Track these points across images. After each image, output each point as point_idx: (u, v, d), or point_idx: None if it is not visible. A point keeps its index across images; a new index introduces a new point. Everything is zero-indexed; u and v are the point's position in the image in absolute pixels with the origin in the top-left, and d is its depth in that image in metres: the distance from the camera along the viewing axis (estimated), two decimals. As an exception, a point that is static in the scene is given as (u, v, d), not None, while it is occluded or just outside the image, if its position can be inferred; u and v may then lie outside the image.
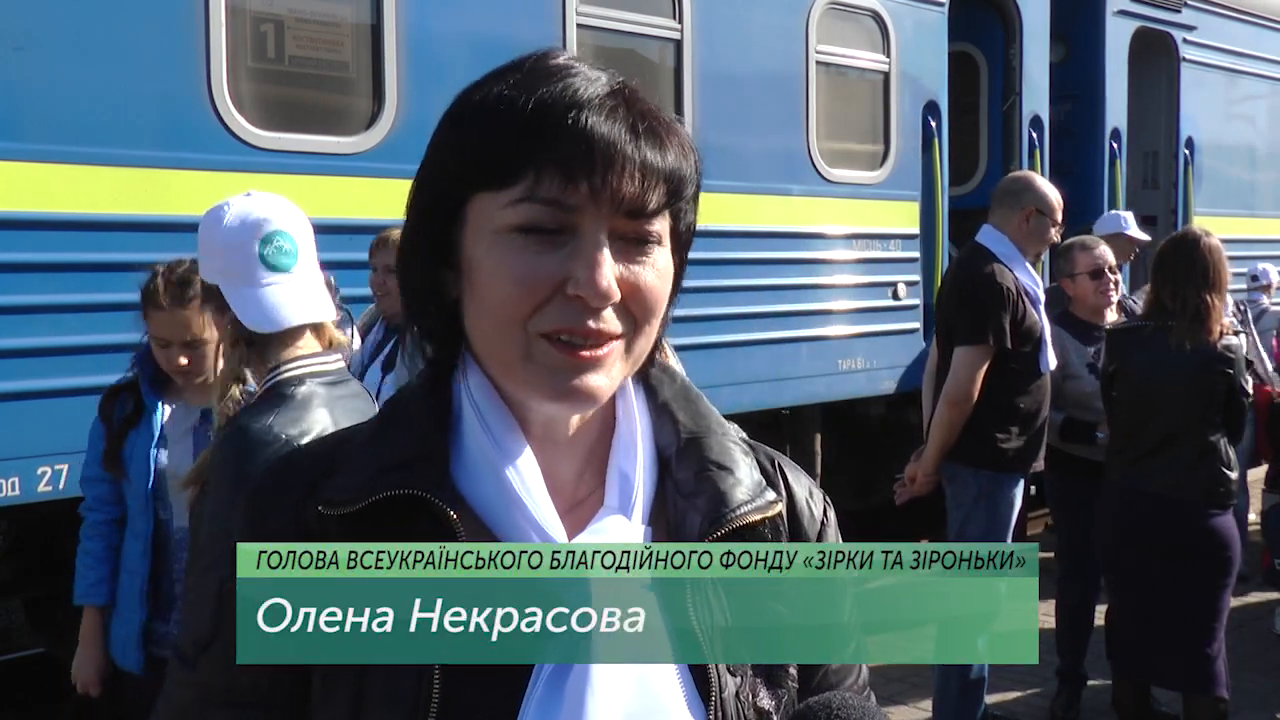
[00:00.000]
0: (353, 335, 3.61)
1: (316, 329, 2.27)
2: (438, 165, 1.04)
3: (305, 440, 2.01)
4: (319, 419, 2.09)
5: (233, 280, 2.18)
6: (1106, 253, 5.05)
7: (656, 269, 1.00)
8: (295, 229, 2.26)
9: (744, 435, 1.15)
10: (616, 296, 0.97)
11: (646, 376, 1.12)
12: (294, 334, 2.22)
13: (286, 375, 2.16)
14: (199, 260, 2.27)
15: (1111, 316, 5.09)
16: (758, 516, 1.07)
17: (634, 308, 1.00)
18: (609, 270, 0.96)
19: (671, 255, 1.04)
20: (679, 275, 1.07)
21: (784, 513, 1.11)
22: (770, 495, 1.09)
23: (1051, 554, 5.32)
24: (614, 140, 0.96)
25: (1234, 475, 4.24)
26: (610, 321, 0.98)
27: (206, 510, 2.11)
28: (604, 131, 0.96)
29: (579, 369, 0.98)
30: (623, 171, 0.96)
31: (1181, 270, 4.21)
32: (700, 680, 1.01)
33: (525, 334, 0.98)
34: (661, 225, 1.01)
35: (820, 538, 1.14)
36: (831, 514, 1.17)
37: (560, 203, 0.96)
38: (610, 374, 1.00)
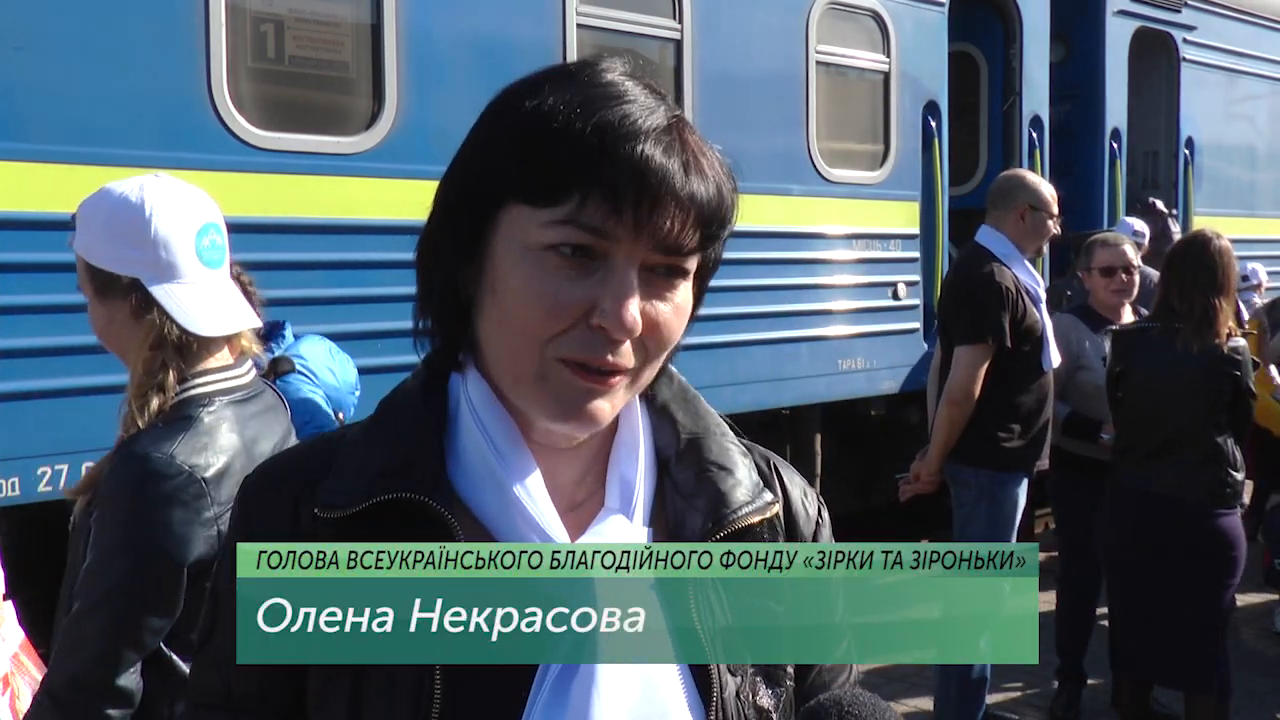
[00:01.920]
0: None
1: (230, 337, 2.05)
2: (477, 164, 1.02)
3: (212, 473, 1.86)
4: (228, 445, 1.91)
5: (161, 275, 1.93)
6: (1125, 252, 5.04)
7: (677, 305, 1.01)
8: (221, 221, 2.04)
9: (740, 436, 1.15)
10: (639, 330, 0.97)
11: None
12: (215, 342, 2.01)
13: (195, 393, 1.94)
14: (98, 250, 1.97)
15: (1128, 315, 5.08)
16: (757, 518, 1.07)
17: (650, 342, 1.00)
18: (635, 306, 0.96)
19: (693, 285, 1.04)
20: (696, 304, 1.07)
21: (781, 514, 1.11)
22: (768, 496, 1.09)
23: (1051, 553, 5.32)
24: (665, 177, 0.96)
25: (1240, 476, 4.24)
26: (625, 356, 0.98)
27: (94, 544, 1.87)
28: (657, 166, 0.95)
29: (588, 395, 0.98)
30: (668, 209, 0.96)
31: (1190, 272, 4.21)
32: (701, 680, 1.02)
33: (543, 355, 0.98)
34: (692, 262, 1.01)
35: (815, 538, 1.15)
36: (826, 514, 1.18)
37: (601, 231, 0.95)
38: (615, 401, 1.01)
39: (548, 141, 0.96)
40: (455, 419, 1.05)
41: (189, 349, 1.95)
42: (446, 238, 1.03)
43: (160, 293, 1.93)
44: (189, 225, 1.96)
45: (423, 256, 1.06)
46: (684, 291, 1.01)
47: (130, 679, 1.85)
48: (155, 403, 1.90)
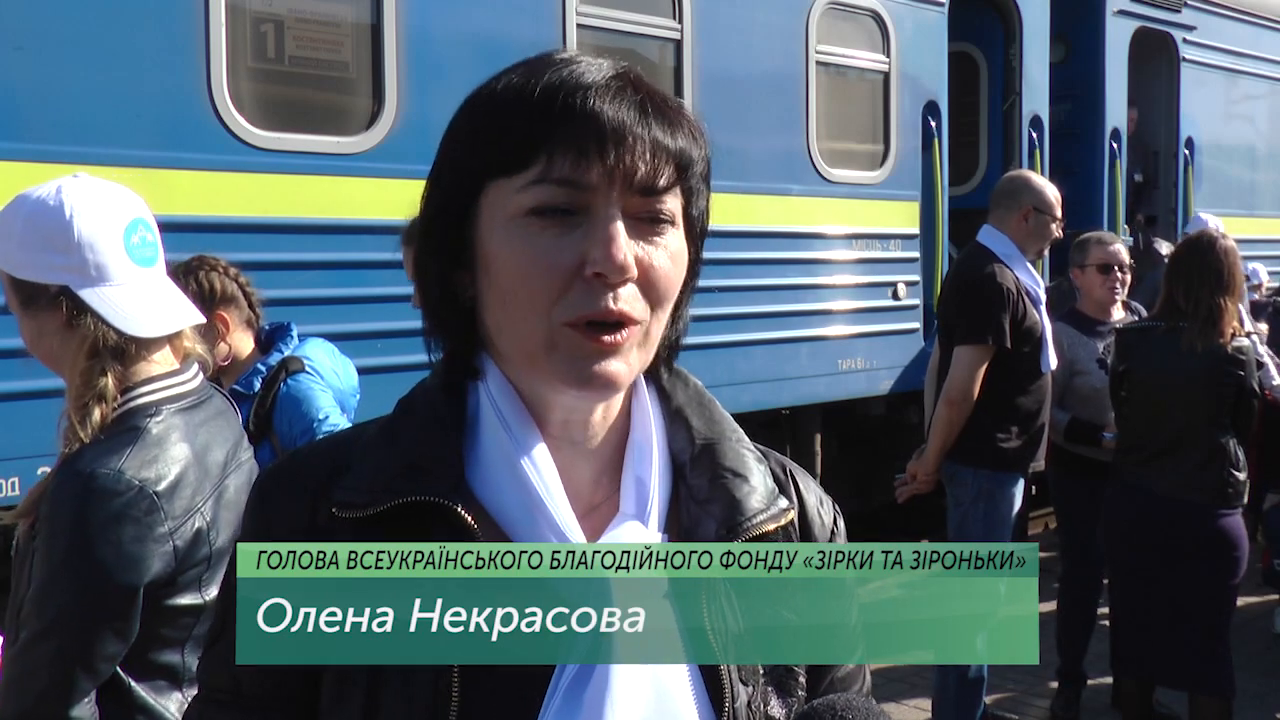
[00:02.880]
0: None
1: (172, 339, 1.93)
2: (450, 160, 1.04)
3: (164, 486, 1.76)
4: (178, 456, 1.80)
5: (90, 279, 1.82)
6: (1120, 250, 5.07)
7: (670, 251, 1.01)
8: (150, 218, 1.93)
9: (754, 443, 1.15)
10: (634, 271, 0.98)
11: (660, 381, 1.11)
12: (155, 345, 1.89)
13: (140, 402, 1.83)
14: (18, 259, 1.85)
15: (1119, 315, 5.10)
16: (772, 525, 1.06)
17: (649, 289, 1.00)
18: (625, 244, 0.97)
19: (685, 242, 1.04)
20: (695, 265, 1.07)
21: (796, 521, 1.11)
22: (783, 503, 1.09)
23: (1052, 553, 5.33)
24: (624, 119, 0.98)
25: (1242, 476, 4.23)
26: (630, 302, 0.98)
27: (39, 569, 1.75)
28: (613, 111, 0.97)
29: (601, 355, 0.98)
30: (634, 148, 0.97)
31: (1195, 271, 4.20)
32: (713, 688, 1.01)
33: (549, 323, 0.98)
34: (673, 204, 1.01)
35: None
36: (841, 523, 1.17)
37: (574, 182, 0.96)
38: (629, 360, 1.00)
39: (505, 113, 0.99)
40: (475, 419, 1.05)
41: (128, 354, 1.84)
42: (437, 243, 1.04)
43: (91, 297, 1.82)
44: (115, 223, 1.84)
45: (420, 268, 1.07)
46: (674, 238, 1.02)
47: (85, 709, 1.73)
48: (97, 413, 1.79)
